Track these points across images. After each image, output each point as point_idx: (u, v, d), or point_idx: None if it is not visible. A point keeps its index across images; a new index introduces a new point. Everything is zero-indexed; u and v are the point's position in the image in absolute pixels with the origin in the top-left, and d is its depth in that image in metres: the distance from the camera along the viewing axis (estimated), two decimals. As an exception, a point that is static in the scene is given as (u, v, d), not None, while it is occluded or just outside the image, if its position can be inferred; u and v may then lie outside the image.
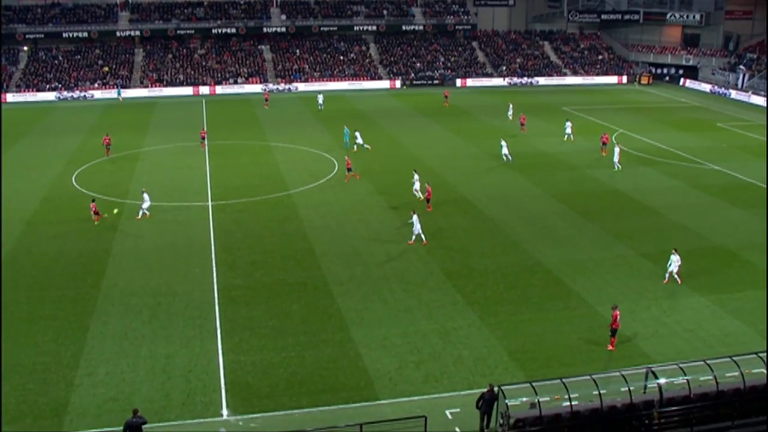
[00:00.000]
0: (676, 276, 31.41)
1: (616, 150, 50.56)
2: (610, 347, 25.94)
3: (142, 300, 29.71)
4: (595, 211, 41.18)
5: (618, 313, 25.83)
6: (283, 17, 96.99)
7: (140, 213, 39.76)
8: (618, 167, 49.72)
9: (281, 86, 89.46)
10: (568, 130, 59.33)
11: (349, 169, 47.27)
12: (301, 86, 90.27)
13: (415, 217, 35.97)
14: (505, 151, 51.79)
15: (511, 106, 69.73)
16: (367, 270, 32.84)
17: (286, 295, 30.21)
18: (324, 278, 31.95)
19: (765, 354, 21.68)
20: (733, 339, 26.65)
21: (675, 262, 31.25)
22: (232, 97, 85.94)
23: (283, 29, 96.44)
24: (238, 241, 36.53)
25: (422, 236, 35.94)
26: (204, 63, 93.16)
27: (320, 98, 75.77)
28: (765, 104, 78.88)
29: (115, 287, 30.92)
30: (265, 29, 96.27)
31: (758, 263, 33.62)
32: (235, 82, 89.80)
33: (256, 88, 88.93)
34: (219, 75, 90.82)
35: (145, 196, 40.06)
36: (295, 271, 32.75)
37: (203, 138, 57.06)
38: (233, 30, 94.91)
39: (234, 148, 56.97)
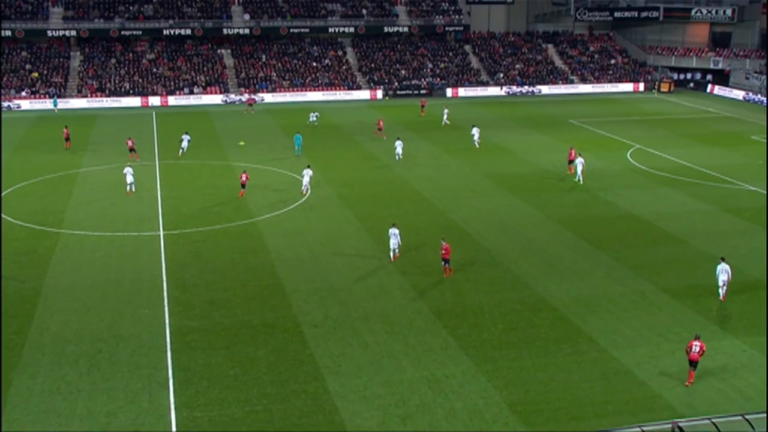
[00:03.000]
0: (721, 289, 32.35)
1: (580, 160, 52.33)
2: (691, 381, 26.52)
3: (79, 347, 29.46)
4: (608, 240, 41.54)
5: (702, 345, 26.38)
6: (247, 17, 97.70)
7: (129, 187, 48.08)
8: (580, 181, 51.88)
9: (245, 96, 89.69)
10: (476, 138, 63.40)
11: (243, 186, 48.98)
12: (268, 97, 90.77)
13: (394, 230, 37.53)
14: (398, 150, 58.09)
15: (446, 111, 74.67)
16: (344, 309, 32.88)
17: (251, 339, 30.15)
18: (295, 319, 31.93)
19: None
20: (774, 389, 26.72)
21: (724, 272, 32.24)
22: (188, 109, 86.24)
23: (247, 31, 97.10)
24: (195, 276, 36.48)
25: (395, 251, 37.84)
26: (154, 69, 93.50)
27: (313, 116, 73.70)
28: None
29: (46, 333, 30.64)
30: (225, 31, 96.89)
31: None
32: (191, 92, 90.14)
33: (216, 98, 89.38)
34: (172, 84, 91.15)
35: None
36: (261, 311, 32.71)
37: (132, 149, 58.71)
38: (188, 31, 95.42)
39: (190, 168, 56.99)
